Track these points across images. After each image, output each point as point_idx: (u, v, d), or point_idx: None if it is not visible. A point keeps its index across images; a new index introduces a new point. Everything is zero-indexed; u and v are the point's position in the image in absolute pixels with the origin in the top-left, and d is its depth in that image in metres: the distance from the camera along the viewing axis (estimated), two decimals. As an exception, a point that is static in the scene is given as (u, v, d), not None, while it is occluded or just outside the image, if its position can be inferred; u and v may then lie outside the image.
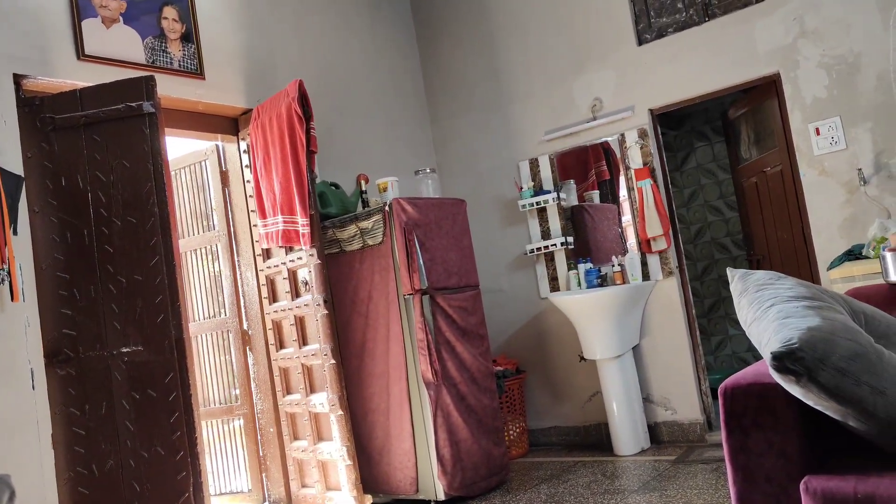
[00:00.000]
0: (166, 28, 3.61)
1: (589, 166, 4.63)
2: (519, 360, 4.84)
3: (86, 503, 2.90)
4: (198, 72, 3.72)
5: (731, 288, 1.95)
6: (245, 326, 4.02)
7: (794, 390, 1.53)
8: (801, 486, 1.57)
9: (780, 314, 1.65)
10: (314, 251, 3.57)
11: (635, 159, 4.38)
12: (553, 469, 4.09)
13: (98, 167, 3.07)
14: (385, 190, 3.95)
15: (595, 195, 4.63)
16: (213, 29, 3.85)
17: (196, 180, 4.14)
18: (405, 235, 3.62)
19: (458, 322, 3.76)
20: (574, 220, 4.67)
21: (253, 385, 3.98)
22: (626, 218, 4.46)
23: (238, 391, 4.03)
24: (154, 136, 3.09)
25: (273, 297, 3.90)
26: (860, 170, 3.67)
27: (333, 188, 4.07)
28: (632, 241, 4.43)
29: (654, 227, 4.27)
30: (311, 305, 3.61)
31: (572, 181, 4.67)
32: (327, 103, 4.41)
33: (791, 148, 3.95)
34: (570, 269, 4.60)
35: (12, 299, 2.77)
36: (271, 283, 3.90)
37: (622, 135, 4.43)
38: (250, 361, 4.00)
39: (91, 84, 3.16)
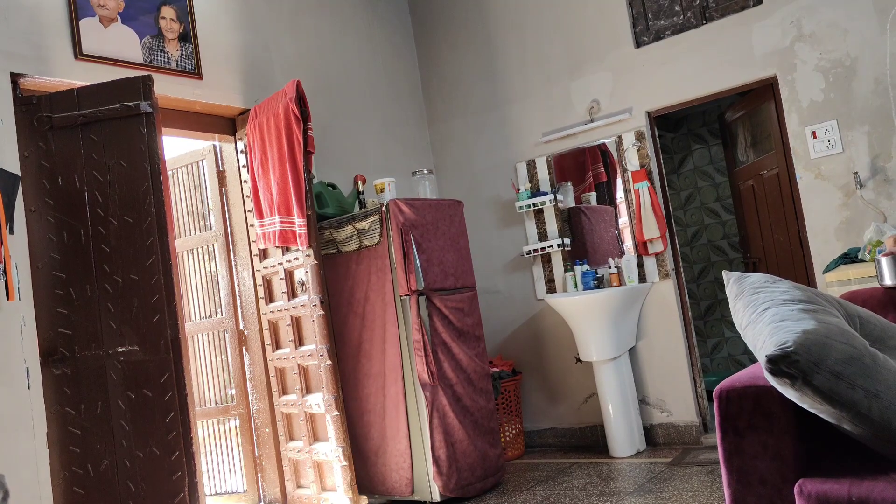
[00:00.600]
0: (164, 28, 3.61)
1: (586, 168, 4.63)
2: (515, 361, 4.84)
3: (81, 503, 2.90)
4: (195, 72, 3.72)
5: (727, 290, 1.96)
6: (241, 327, 4.02)
7: (789, 393, 1.54)
8: (796, 489, 1.57)
9: (775, 317, 1.65)
10: (311, 252, 3.57)
11: (632, 161, 4.39)
12: (549, 471, 4.09)
13: (95, 167, 3.06)
14: (382, 191, 3.95)
15: (592, 197, 4.64)
16: (211, 29, 3.85)
17: (193, 180, 4.14)
18: (402, 236, 3.62)
19: (455, 323, 3.76)
20: (571, 221, 4.67)
21: (249, 385, 3.98)
22: (623, 220, 4.47)
23: (234, 391, 4.02)
24: (151, 136, 3.09)
25: (270, 298, 3.90)
26: (856, 173, 3.68)
27: (330, 189, 4.06)
28: (628, 244, 4.43)
29: (651, 229, 4.28)
30: (308, 306, 3.61)
31: (569, 183, 4.67)
32: (325, 104, 4.41)
33: (788, 151, 3.96)
34: (566, 270, 4.60)
35: (8, 298, 2.77)
36: (268, 284, 3.90)
37: (619, 137, 4.43)
38: (246, 362, 4.00)
39: (88, 83, 3.16)
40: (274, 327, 3.88)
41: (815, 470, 1.63)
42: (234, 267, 4.04)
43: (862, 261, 3.35)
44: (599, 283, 4.45)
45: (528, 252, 4.69)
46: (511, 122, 4.90)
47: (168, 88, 3.54)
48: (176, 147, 4.19)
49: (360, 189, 4.08)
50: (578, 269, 4.50)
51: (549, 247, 4.61)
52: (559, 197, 4.63)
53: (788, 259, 4.34)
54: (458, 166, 5.16)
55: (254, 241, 3.93)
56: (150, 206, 3.04)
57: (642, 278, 4.36)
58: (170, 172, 4.12)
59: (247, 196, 3.95)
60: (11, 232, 2.85)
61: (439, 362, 3.63)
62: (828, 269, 3.49)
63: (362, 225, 3.74)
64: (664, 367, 4.31)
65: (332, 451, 3.53)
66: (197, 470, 2.98)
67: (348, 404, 3.80)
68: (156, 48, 3.56)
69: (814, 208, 3.84)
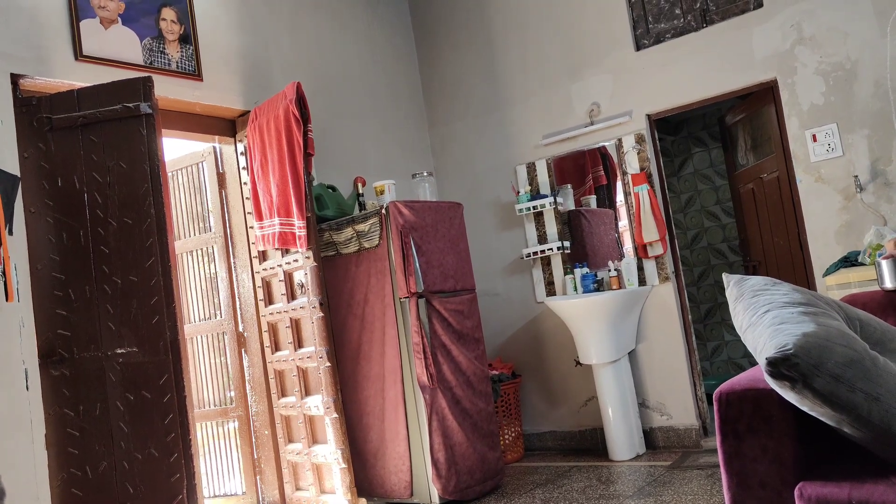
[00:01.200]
0: (165, 29, 3.61)
1: (586, 171, 4.63)
2: (515, 364, 4.84)
3: (79, 505, 2.89)
4: (195, 73, 3.72)
5: (727, 293, 1.96)
6: (240, 328, 4.02)
7: (789, 396, 1.53)
8: (796, 492, 1.57)
9: (775, 320, 1.65)
10: (310, 253, 3.56)
11: (632, 164, 4.39)
12: (548, 474, 4.08)
13: (95, 168, 3.06)
14: (382, 193, 3.95)
15: (592, 200, 4.63)
16: (211, 30, 3.85)
17: (193, 182, 4.14)
18: (402, 238, 3.62)
19: (454, 326, 3.76)
20: (571, 224, 4.67)
21: (248, 387, 3.97)
22: (623, 223, 4.47)
23: (233, 393, 4.02)
24: (151, 138, 3.09)
25: (269, 300, 3.89)
26: (856, 176, 3.68)
27: (330, 191, 4.06)
28: (628, 246, 4.43)
29: (651, 232, 4.28)
30: (307, 308, 3.61)
31: (569, 186, 4.67)
32: (325, 105, 4.41)
33: (788, 154, 3.96)
34: (566, 273, 4.60)
35: (7, 299, 2.76)
36: (267, 286, 3.90)
37: (619, 140, 4.43)
38: (245, 364, 3.99)
39: (88, 84, 3.16)
40: (273, 329, 3.87)
41: (815, 473, 1.63)
42: (233, 269, 4.03)
43: (862, 264, 3.35)
44: (599, 286, 4.45)
45: (528, 255, 4.69)
46: (511, 124, 4.90)
47: (168, 90, 3.54)
48: (176, 148, 4.18)
49: (360, 191, 4.07)
50: (578, 271, 4.50)
51: (548, 249, 4.61)
52: (559, 199, 4.63)
53: (788, 262, 4.33)
54: (458, 168, 5.16)
55: (253, 243, 3.93)
56: (149, 207, 3.04)
57: (642, 281, 4.36)
58: (170, 174, 4.12)
59: (246, 198, 3.95)
60: (11, 233, 2.85)
61: (438, 365, 3.62)
62: (828, 272, 3.49)
63: (362, 227, 3.74)
64: (664, 371, 4.31)
65: (331, 454, 3.52)
66: (196, 472, 2.98)
67: (347, 406, 3.80)
68: (156, 49, 3.56)
69: (814, 211, 3.84)
